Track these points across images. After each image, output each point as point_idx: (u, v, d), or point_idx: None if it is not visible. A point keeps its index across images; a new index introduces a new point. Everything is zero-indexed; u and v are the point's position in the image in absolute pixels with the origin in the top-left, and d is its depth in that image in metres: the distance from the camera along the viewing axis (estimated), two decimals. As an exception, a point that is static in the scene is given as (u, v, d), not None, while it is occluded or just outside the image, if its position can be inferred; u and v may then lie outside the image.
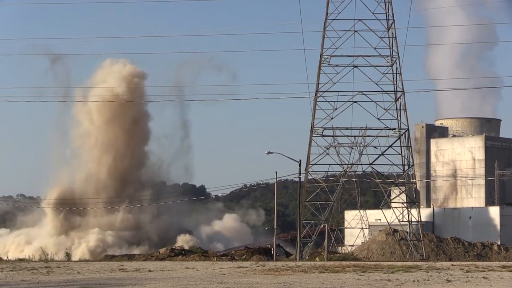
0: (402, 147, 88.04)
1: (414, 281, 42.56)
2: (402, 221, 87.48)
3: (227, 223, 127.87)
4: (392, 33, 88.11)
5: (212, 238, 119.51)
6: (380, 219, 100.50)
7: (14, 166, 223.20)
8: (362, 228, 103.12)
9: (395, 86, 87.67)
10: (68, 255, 78.89)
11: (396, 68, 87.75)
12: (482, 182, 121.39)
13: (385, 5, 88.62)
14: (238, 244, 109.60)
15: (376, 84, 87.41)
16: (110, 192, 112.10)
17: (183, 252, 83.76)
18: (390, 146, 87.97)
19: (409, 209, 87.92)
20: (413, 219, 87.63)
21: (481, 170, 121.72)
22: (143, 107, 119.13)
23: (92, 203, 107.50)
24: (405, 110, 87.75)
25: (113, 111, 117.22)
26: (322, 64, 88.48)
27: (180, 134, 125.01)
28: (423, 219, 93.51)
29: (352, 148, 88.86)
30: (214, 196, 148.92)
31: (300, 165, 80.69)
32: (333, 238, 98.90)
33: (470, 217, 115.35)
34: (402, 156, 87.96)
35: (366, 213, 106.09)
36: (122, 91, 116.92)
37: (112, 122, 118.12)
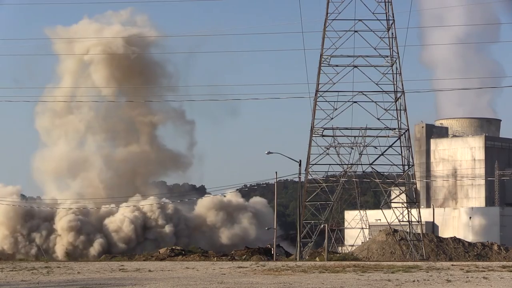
0: (402, 147, 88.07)
1: (414, 281, 42.58)
2: (402, 221, 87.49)
3: None
4: (392, 33, 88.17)
5: None
6: (380, 219, 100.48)
7: (15, 165, 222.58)
8: (362, 228, 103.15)
9: (395, 86, 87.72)
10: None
11: (396, 68, 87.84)
12: (482, 182, 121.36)
13: (385, 5, 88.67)
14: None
15: (376, 84, 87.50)
16: (112, 191, 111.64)
17: (183, 252, 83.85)
18: (390, 146, 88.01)
19: (409, 209, 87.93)
20: (413, 219, 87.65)
21: (481, 170, 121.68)
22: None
23: (93, 202, 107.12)
24: (405, 110, 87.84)
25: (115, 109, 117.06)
26: (322, 64, 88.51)
27: (182, 135, 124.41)
28: (423, 219, 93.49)
29: (352, 148, 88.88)
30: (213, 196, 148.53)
31: (300, 165, 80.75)
32: (333, 238, 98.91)
33: (470, 217, 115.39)
34: (402, 156, 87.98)
35: (366, 213, 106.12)
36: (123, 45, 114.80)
37: (116, 118, 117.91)
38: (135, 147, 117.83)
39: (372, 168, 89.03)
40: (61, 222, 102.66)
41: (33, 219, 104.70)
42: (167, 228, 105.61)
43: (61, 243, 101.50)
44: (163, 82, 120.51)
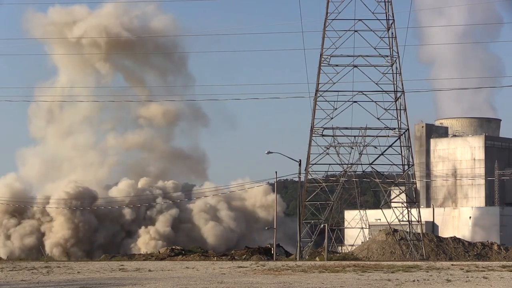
0: (402, 147, 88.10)
1: (414, 281, 42.58)
2: (402, 221, 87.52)
3: None
4: (392, 33, 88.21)
5: None
6: (380, 219, 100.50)
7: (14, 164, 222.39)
8: (362, 228, 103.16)
9: (395, 86, 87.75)
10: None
11: (396, 68, 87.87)
12: (482, 182, 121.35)
13: (385, 5, 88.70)
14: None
15: (376, 84, 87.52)
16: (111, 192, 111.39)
17: (183, 252, 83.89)
18: (390, 146, 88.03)
19: (409, 209, 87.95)
20: (413, 219, 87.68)
21: (481, 170, 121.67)
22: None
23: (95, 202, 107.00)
24: (405, 110, 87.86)
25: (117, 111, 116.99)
26: (322, 64, 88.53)
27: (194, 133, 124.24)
28: (423, 219, 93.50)
29: (352, 148, 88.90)
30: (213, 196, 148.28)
31: (300, 165, 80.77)
32: (333, 238, 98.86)
33: (470, 217, 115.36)
34: (402, 156, 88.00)
35: (366, 213, 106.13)
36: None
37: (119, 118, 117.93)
38: (140, 146, 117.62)
39: (372, 167, 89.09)
40: (58, 218, 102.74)
41: (29, 215, 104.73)
42: (172, 212, 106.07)
43: (59, 238, 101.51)
44: (165, 77, 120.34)
